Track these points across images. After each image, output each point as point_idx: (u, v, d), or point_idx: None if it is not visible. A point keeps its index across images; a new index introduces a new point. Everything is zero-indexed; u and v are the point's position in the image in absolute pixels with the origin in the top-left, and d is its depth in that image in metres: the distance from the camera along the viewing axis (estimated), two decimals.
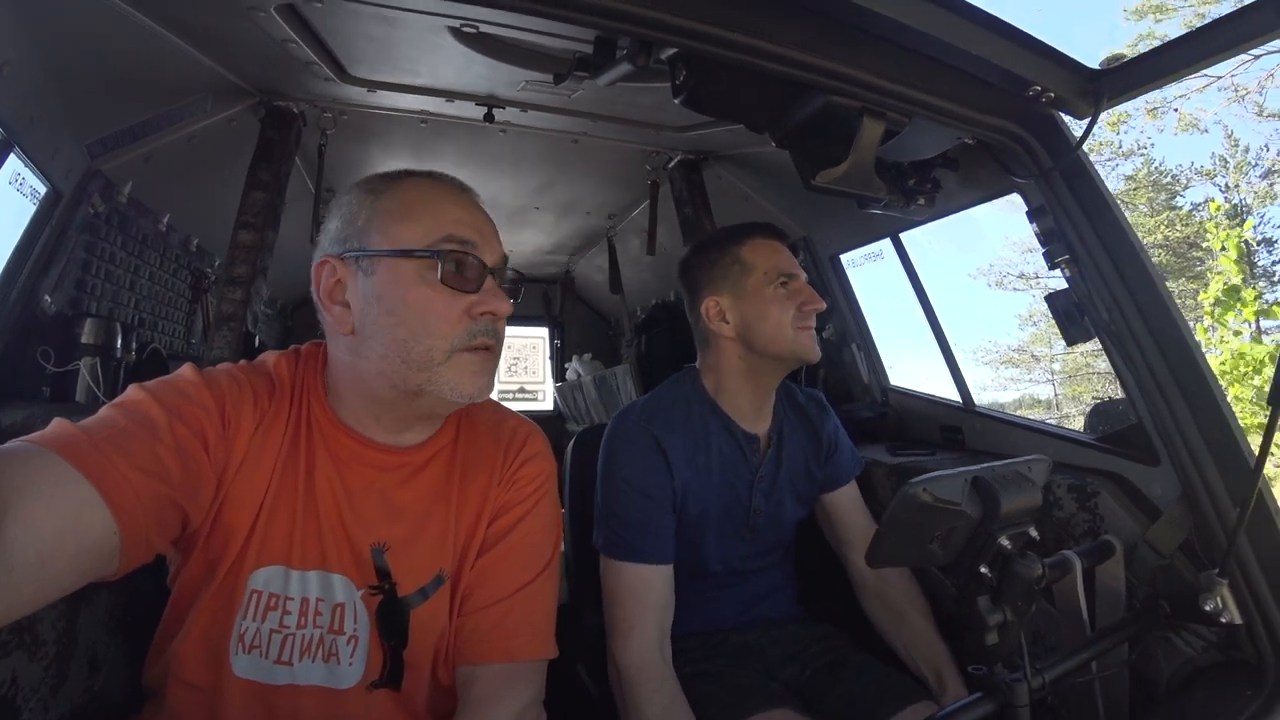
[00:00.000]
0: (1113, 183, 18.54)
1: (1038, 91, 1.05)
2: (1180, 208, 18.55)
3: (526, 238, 3.67)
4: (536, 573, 0.99)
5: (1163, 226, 18.14)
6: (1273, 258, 17.96)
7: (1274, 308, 5.72)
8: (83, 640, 1.00)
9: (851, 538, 1.53)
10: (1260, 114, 15.49)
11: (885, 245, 2.06)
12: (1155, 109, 15.59)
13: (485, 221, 0.93)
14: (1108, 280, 1.17)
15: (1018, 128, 1.17)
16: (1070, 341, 1.30)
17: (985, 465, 0.82)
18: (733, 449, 1.43)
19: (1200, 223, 17.58)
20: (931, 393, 2.01)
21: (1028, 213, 1.27)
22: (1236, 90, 14.87)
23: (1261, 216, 17.61)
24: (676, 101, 1.16)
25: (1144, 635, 1.08)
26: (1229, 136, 17.77)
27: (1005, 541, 0.78)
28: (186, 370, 0.88)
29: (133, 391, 0.81)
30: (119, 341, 1.84)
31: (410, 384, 0.87)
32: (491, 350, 0.90)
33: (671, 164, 2.54)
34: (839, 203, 2.29)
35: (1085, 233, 1.18)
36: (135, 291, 2.15)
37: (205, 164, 2.13)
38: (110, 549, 0.69)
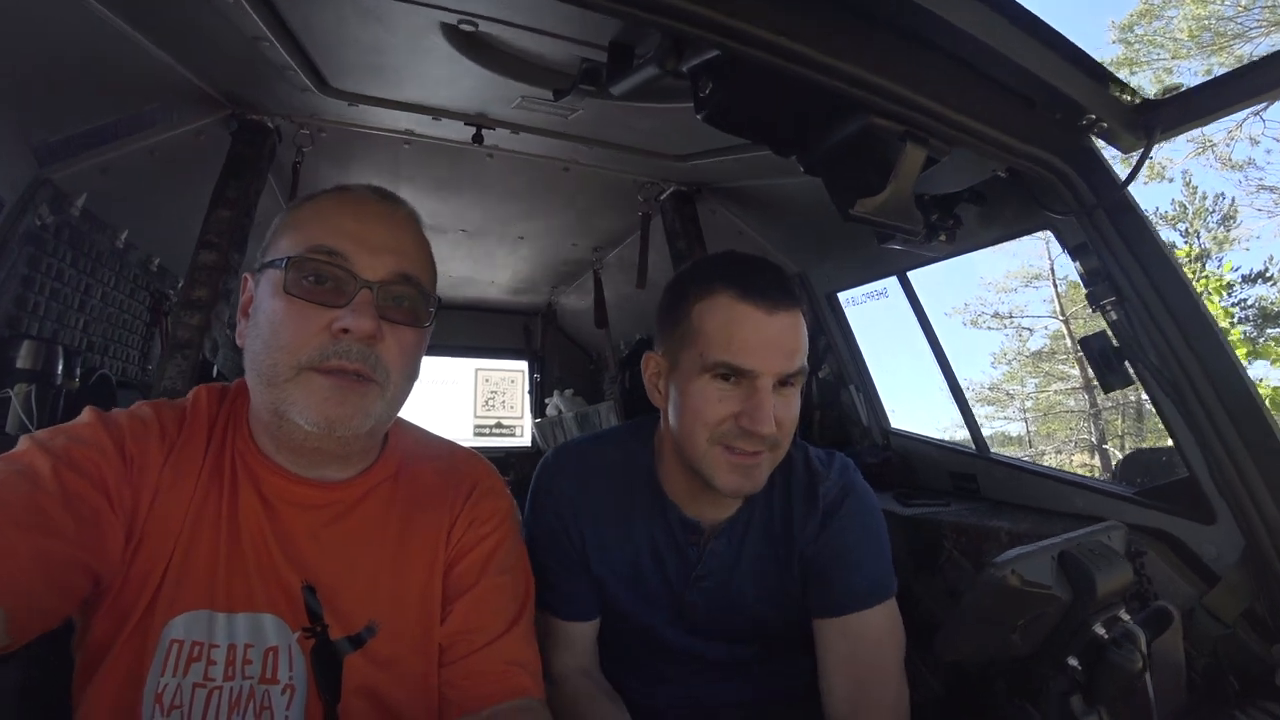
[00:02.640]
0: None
1: (1090, 120, 0.97)
2: None
3: (508, 268, 3.54)
4: (520, 608, 0.94)
5: None
6: (1232, 299, 18.43)
7: (1268, 345, 5.75)
8: None
9: (829, 685, 1.08)
10: (1225, 165, 16.08)
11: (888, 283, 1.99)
12: (1125, 159, 16.21)
13: (379, 233, 0.85)
14: (1160, 323, 1.07)
15: (1060, 161, 1.09)
16: (1108, 388, 1.21)
17: (1064, 538, 0.70)
18: (665, 535, 1.15)
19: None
20: (937, 437, 1.91)
21: (1069, 250, 1.18)
22: (1203, 143, 15.44)
23: (1219, 261, 18.13)
24: (699, 117, 1.06)
25: (1213, 716, 0.97)
26: (1188, 184, 18.54)
27: (1100, 629, 0.66)
28: (84, 414, 0.82)
29: (21, 441, 0.75)
30: (59, 367, 1.66)
31: (267, 404, 0.80)
32: (357, 377, 0.80)
33: (664, 195, 2.45)
34: (837, 239, 2.22)
35: (1134, 273, 1.10)
36: (85, 313, 1.97)
37: (169, 178, 1.98)
38: None
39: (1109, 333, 1.19)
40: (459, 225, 2.83)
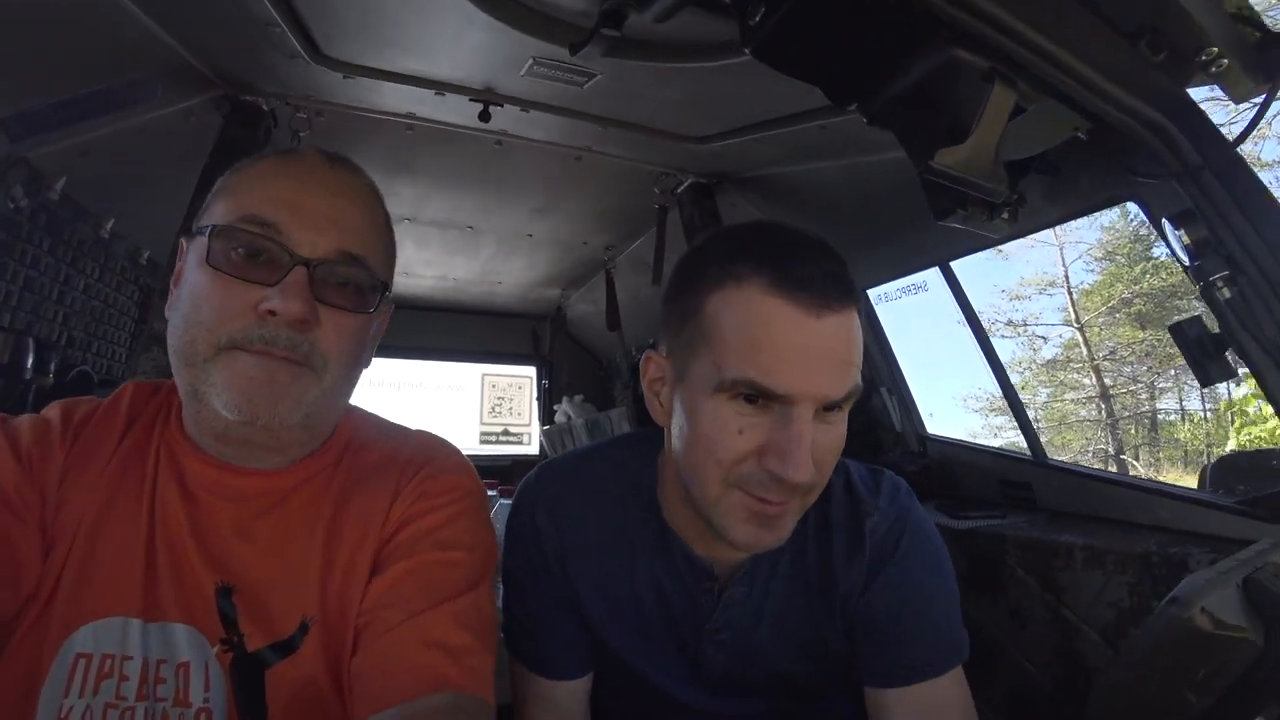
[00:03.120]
0: (1094, 233, 18.91)
1: (1209, 57, 0.82)
2: (1156, 258, 18.98)
3: (516, 269, 3.41)
4: (465, 589, 0.75)
5: (1148, 275, 18.47)
6: None
7: None
8: None
9: None
10: (1257, 164, 15.84)
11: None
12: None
13: (322, 204, 0.75)
14: None
15: (1159, 114, 0.94)
16: (1206, 381, 1.05)
17: (1237, 560, 0.55)
18: (672, 579, 0.92)
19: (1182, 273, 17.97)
20: (983, 443, 1.75)
21: (1168, 220, 1.02)
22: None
23: None
24: (745, 52, 0.91)
25: None
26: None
27: None
28: None
29: None
30: (29, 361, 1.53)
31: (185, 385, 0.72)
32: (284, 361, 0.70)
33: (682, 188, 2.31)
34: (869, 230, 2.07)
35: (1251, 243, 0.94)
36: (64, 305, 1.84)
37: (159, 164, 1.86)
38: None
39: (1208, 317, 1.04)
40: (466, 221, 2.71)
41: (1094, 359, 18.21)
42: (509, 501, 1.77)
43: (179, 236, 0.82)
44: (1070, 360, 19.13)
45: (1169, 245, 1.04)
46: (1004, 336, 20.21)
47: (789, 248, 0.75)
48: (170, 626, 0.70)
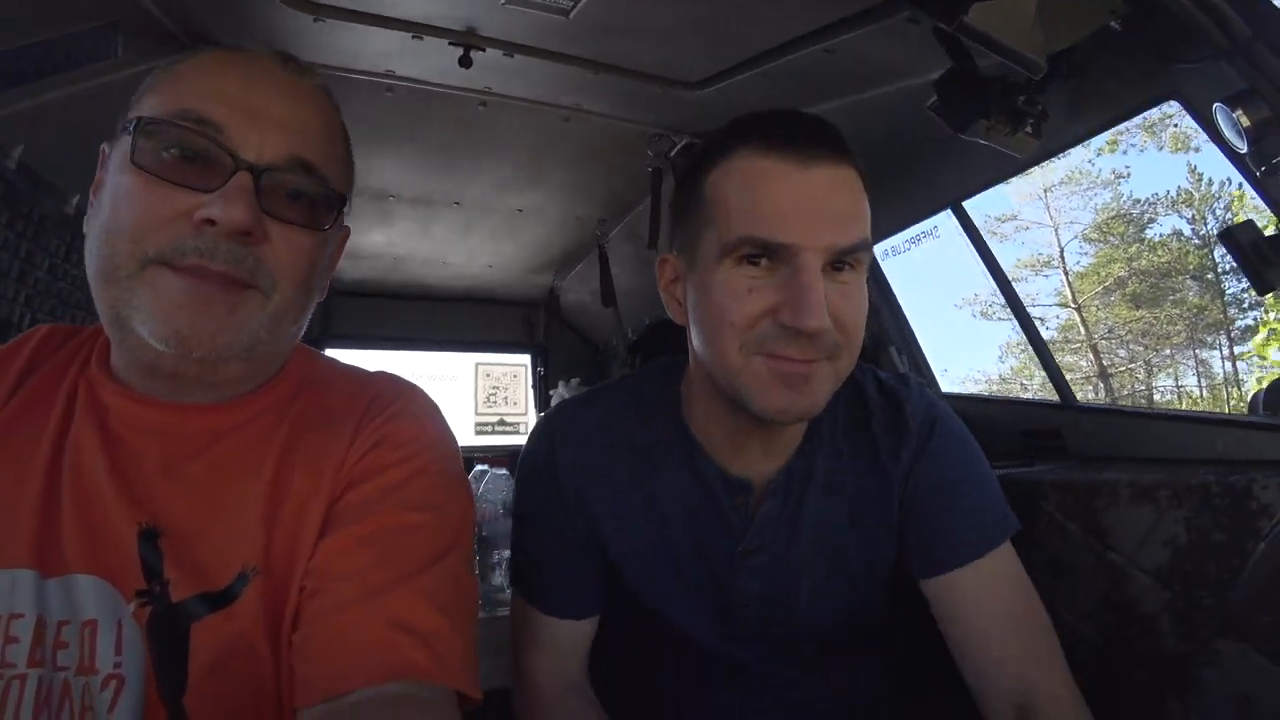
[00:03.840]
0: (1087, 214, 19.02)
1: None
2: (1149, 239, 19.11)
3: (506, 252, 3.31)
4: (431, 562, 0.66)
5: (1144, 253, 18.59)
6: (1241, 285, 18.53)
7: None
8: None
9: (975, 646, 0.85)
10: None
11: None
12: (1152, 126, 15.90)
13: (272, 104, 0.66)
14: None
15: None
16: (1265, 289, 0.96)
17: None
18: (702, 499, 0.89)
19: (1178, 251, 18.10)
20: (999, 393, 1.66)
21: (1225, 100, 0.92)
22: None
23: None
24: None
25: None
26: (1192, 171, 18.42)
27: None
28: None
29: None
30: None
31: (106, 307, 0.62)
32: (225, 281, 0.61)
33: (675, 150, 2.22)
34: (877, 177, 1.97)
35: None
36: (27, 285, 1.73)
37: None
38: None
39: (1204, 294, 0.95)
40: (452, 197, 2.61)
41: (1091, 339, 18.28)
42: (502, 471, 1.67)
43: (101, 145, 0.70)
44: (1069, 341, 19.21)
45: (1218, 137, 0.94)
46: (1000, 319, 20.29)
47: (774, 116, 0.79)
48: (74, 579, 0.60)
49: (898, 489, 0.91)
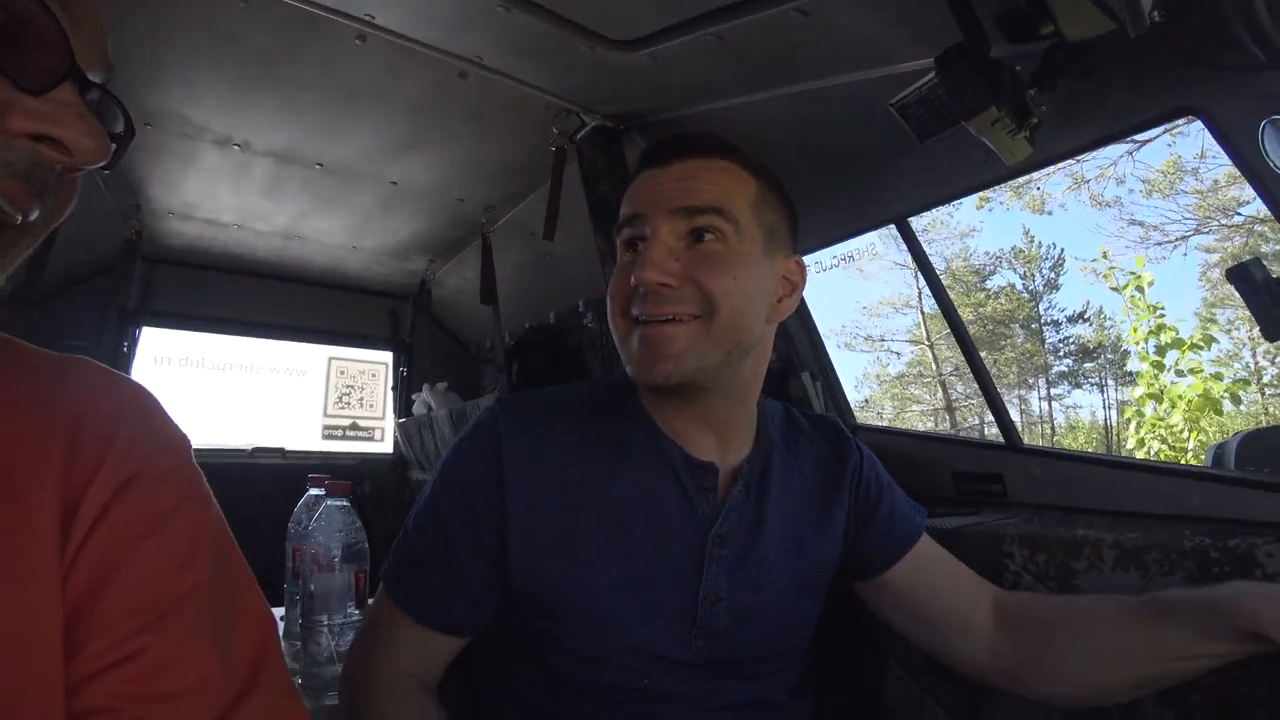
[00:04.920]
0: (938, 262, 21.15)
1: None
2: (989, 289, 21.54)
3: (375, 231, 2.88)
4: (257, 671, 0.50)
5: (990, 301, 20.90)
6: (1059, 335, 21.90)
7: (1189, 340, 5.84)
8: None
9: (956, 601, 0.95)
10: (1096, 202, 17.96)
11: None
12: (1019, 189, 17.66)
13: None
14: None
15: None
16: (1275, 335, 0.85)
17: None
18: (667, 482, 0.88)
19: (1018, 299, 20.47)
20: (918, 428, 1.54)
21: (1273, 120, 0.80)
22: (1079, 178, 17.18)
23: (1050, 302, 21.70)
24: None
25: None
26: (1026, 233, 20.96)
27: None
28: None
29: None
30: None
31: None
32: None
33: (583, 132, 1.96)
34: (807, 185, 1.80)
35: None
36: None
37: None
38: None
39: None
40: (313, 157, 2.18)
41: (940, 375, 20.18)
42: (340, 502, 1.30)
43: None
44: (924, 375, 21.08)
45: (1252, 161, 0.83)
46: (863, 351, 21.88)
47: (655, 142, 0.90)
48: None
49: (848, 496, 0.99)
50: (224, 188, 2.42)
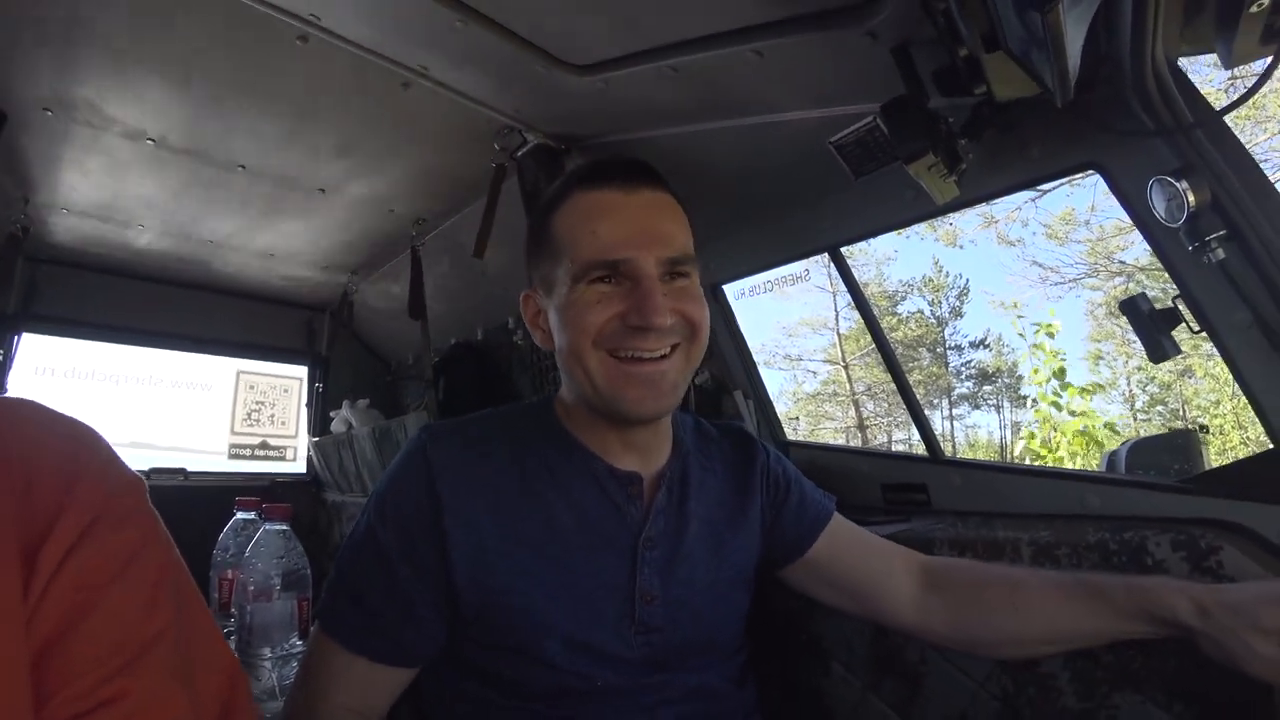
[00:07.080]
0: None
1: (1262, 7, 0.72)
2: (900, 314, 22.98)
3: (297, 237, 2.72)
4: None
5: (901, 326, 22.19)
6: (961, 359, 23.79)
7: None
8: None
9: (878, 566, 1.05)
10: (1001, 240, 19.26)
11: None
12: (934, 223, 18.83)
13: None
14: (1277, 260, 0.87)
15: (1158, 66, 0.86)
16: (1160, 357, 0.99)
17: None
18: (594, 494, 0.93)
19: (923, 326, 21.91)
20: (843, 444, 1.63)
21: (1170, 173, 0.93)
22: (989, 218, 18.44)
23: (955, 328, 23.57)
24: None
25: None
26: (936, 264, 22.54)
27: None
28: None
29: None
30: None
31: None
32: None
33: (525, 150, 1.97)
34: (739, 213, 1.89)
35: (1247, 208, 0.90)
36: None
37: None
38: None
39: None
40: (236, 156, 2.06)
41: (854, 394, 21.15)
42: (279, 526, 1.25)
43: None
44: (839, 394, 22.04)
45: (1140, 211, 0.96)
46: (781, 369, 22.73)
47: (599, 160, 0.93)
48: None
49: (760, 491, 1.06)
50: (131, 185, 2.24)
